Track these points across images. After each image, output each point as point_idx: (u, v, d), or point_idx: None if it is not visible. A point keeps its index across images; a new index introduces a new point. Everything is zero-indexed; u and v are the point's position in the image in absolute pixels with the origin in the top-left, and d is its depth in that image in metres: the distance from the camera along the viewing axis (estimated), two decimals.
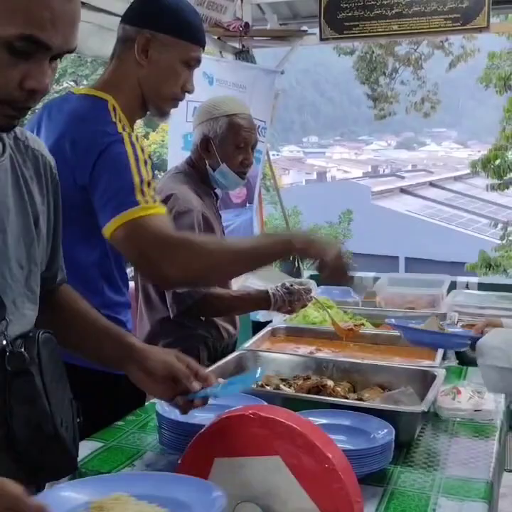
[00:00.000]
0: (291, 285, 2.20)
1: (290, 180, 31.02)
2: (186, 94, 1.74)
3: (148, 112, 1.76)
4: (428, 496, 1.31)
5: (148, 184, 1.55)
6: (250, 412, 1.16)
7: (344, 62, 14.60)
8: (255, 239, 1.73)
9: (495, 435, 1.58)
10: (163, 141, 13.25)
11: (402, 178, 29.70)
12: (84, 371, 1.65)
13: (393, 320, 2.01)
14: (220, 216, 2.32)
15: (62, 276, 1.32)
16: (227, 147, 2.18)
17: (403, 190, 24.98)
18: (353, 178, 30.38)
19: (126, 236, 1.51)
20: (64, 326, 1.28)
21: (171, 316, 2.09)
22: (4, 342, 1.05)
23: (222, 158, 2.18)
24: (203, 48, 1.73)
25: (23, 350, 1.07)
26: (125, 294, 1.80)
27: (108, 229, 1.52)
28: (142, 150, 1.59)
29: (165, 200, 2.10)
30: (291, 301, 2.18)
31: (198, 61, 1.71)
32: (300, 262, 3.84)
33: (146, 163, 1.57)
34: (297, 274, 3.72)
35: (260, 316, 2.67)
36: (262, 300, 2.20)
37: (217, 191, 2.33)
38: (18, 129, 1.11)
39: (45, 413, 1.09)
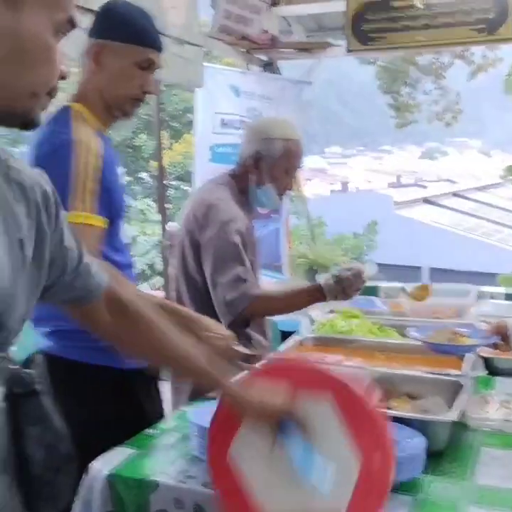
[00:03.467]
0: (340, 273, 2.19)
1: (313, 191, 30.99)
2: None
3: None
4: (459, 506, 1.32)
5: (91, 192, 1.63)
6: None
7: (366, 72, 14.60)
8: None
9: None
10: (187, 152, 13.33)
11: (425, 188, 29.55)
12: (97, 369, 1.70)
13: (413, 331, 2.06)
14: (254, 227, 2.36)
15: (98, 288, 1.20)
16: (277, 170, 2.24)
17: (426, 201, 24.84)
18: (376, 189, 30.28)
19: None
20: (138, 340, 1.26)
21: (225, 323, 2.11)
22: (12, 365, 1.02)
23: (270, 179, 2.23)
24: (157, 49, 1.79)
25: (31, 370, 1.04)
26: (125, 255, 1.86)
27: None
28: (97, 157, 1.66)
29: (207, 210, 2.15)
30: (344, 288, 2.17)
31: (150, 62, 1.78)
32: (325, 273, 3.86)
33: (95, 170, 1.65)
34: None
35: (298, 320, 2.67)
36: (316, 292, 2.21)
37: None
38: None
39: (59, 432, 1.07)
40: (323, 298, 2.21)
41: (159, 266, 10.47)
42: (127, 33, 1.74)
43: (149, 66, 1.78)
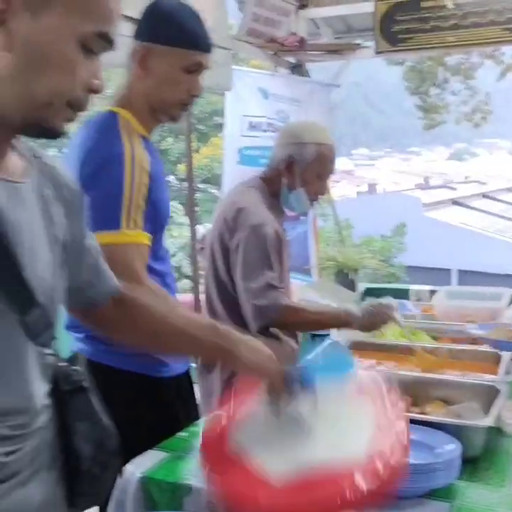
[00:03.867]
0: (374, 304, 2.21)
1: (340, 193, 30.88)
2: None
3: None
4: None
5: (138, 206, 1.60)
6: None
7: (394, 73, 14.52)
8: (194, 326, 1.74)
9: None
10: (214, 155, 13.37)
11: (454, 189, 29.27)
12: (131, 375, 1.70)
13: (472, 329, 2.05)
14: (285, 230, 2.35)
15: (113, 287, 1.24)
16: (310, 174, 2.23)
17: (455, 202, 24.60)
18: (404, 190, 30.06)
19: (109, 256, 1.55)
20: (153, 337, 1.29)
21: (254, 328, 2.11)
22: (61, 362, 1.03)
23: (302, 183, 2.23)
24: (206, 51, 1.74)
25: (77, 367, 1.05)
26: (166, 263, 1.83)
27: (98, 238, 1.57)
28: (143, 169, 1.63)
29: (237, 214, 2.15)
30: (374, 321, 2.18)
31: (199, 65, 1.73)
32: (355, 276, 3.84)
33: (141, 183, 1.61)
34: (352, 286, 3.72)
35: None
36: (347, 318, 2.20)
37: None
38: (31, 144, 1.04)
39: (106, 428, 1.08)
40: (350, 325, 2.21)
41: (186, 269, 10.50)
42: (175, 36, 1.68)
43: (197, 69, 1.74)
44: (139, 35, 1.71)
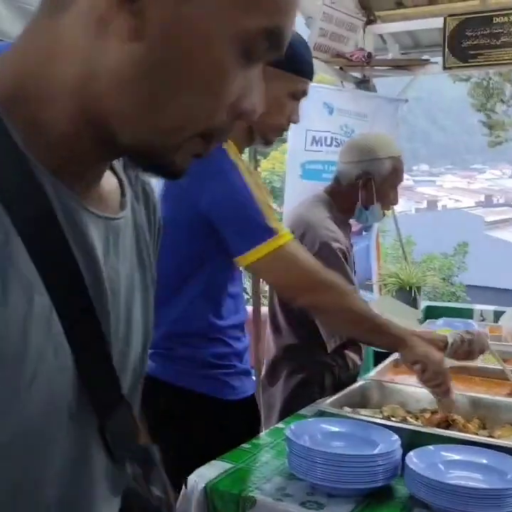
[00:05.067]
0: (471, 333, 2.15)
1: (400, 209, 30.57)
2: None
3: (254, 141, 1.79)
4: None
5: (270, 208, 1.62)
6: None
7: (458, 90, 14.33)
8: (383, 319, 1.78)
9: None
10: (273, 168, 13.41)
11: None
12: (193, 395, 1.71)
13: None
14: (352, 246, 2.34)
15: None
16: (386, 187, 2.24)
17: None
18: (465, 208, 29.55)
19: (269, 266, 1.57)
20: None
21: (331, 346, 2.12)
22: (137, 481, 0.75)
23: (378, 198, 2.22)
24: (311, 80, 1.75)
25: (155, 487, 0.77)
26: (232, 318, 1.81)
27: (247, 258, 1.57)
28: (250, 173, 1.65)
29: (305, 230, 2.14)
30: (471, 350, 2.12)
31: (304, 93, 1.73)
32: (417, 293, 3.79)
33: (258, 187, 1.64)
34: (414, 304, 3.66)
35: None
36: (437, 343, 2.16)
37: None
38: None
39: None
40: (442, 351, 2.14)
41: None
42: (288, 60, 1.68)
43: (302, 96, 1.74)
44: None
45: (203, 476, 1.49)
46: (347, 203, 2.25)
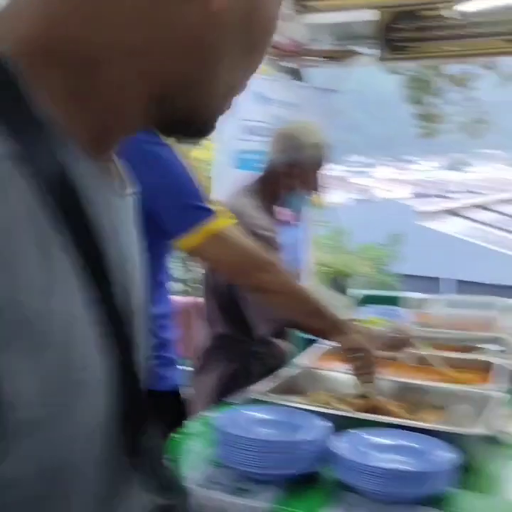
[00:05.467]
0: (398, 325, 2.26)
1: (335, 200, 30.93)
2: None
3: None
4: None
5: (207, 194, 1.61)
6: None
7: (392, 81, 14.55)
8: (324, 304, 1.84)
9: None
10: (203, 158, 13.36)
11: (450, 199, 29.33)
12: None
13: None
14: (278, 234, 2.35)
15: None
16: (310, 174, 2.25)
17: (450, 212, 24.64)
18: (398, 199, 30.11)
19: (213, 247, 1.56)
20: None
21: (261, 333, 2.13)
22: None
23: (302, 184, 2.24)
24: None
25: None
26: (158, 307, 1.80)
27: (189, 240, 1.56)
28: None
29: (237, 217, 2.14)
30: (397, 343, 2.20)
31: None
32: (348, 282, 3.84)
33: (194, 171, 1.64)
34: (344, 292, 3.72)
35: None
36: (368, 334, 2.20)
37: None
38: None
39: None
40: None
41: (177, 271, 10.42)
42: None
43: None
44: None
45: None
46: (274, 190, 2.27)
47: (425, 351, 2.20)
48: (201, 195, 1.58)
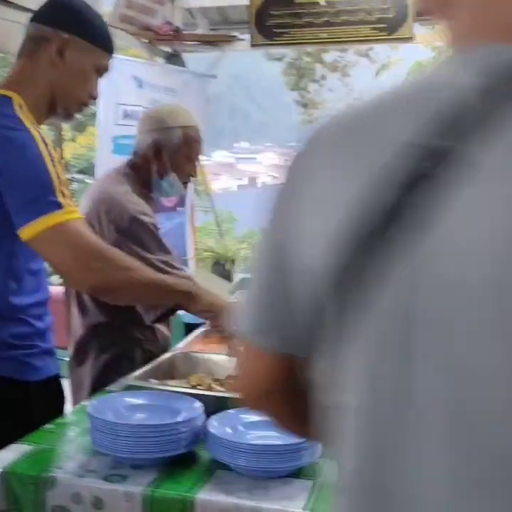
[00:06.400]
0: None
1: (221, 186, 31.03)
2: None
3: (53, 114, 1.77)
4: None
5: (66, 185, 1.57)
6: None
7: (274, 68, 14.75)
8: (162, 276, 1.89)
9: None
10: (90, 144, 13.02)
11: None
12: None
13: None
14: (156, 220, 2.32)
15: None
16: (180, 158, 2.22)
17: None
18: None
19: (51, 240, 1.51)
20: None
21: (159, 312, 2.10)
22: None
23: (172, 168, 2.21)
24: (112, 56, 1.79)
25: None
26: (33, 296, 1.74)
27: (28, 231, 1.51)
28: (54, 148, 1.61)
29: (110, 205, 2.09)
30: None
31: (107, 69, 1.77)
32: (232, 266, 3.88)
33: (60, 162, 1.59)
34: (229, 277, 3.75)
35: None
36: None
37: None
38: None
39: None
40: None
41: None
42: (98, 35, 1.71)
43: (104, 72, 1.77)
44: (56, 23, 1.68)
45: (1, 460, 1.42)
46: (145, 175, 2.23)
47: None
48: (53, 187, 1.52)
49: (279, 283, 0.71)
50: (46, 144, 1.58)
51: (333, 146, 0.68)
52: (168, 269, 2.06)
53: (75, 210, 1.57)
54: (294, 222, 0.68)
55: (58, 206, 1.51)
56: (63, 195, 1.53)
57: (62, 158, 1.65)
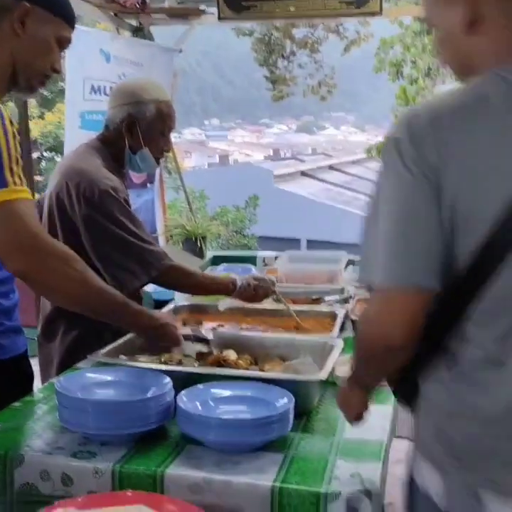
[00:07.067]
0: (257, 278, 2.33)
1: (192, 164, 30.85)
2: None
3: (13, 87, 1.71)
4: (326, 459, 1.36)
5: (17, 162, 1.50)
6: None
7: (243, 44, 14.61)
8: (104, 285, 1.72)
9: (390, 400, 1.64)
10: (59, 122, 12.81)
11: (303, 161, 30.11)
12: None
13: None
14: (128, 195, 2.29)
15: None
16: (153, 133, 2.18)
17: (304, 174, 25.33)
18: (255, 162, 30.53)
19: None
20: None
21: (132, 288, 2.05)
22: None
23: (145, 143, 2.17)
24: (73, 29, 1.75)
25: None
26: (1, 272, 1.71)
27: None
28: (11, 123, 1.54)
29: (80, 180, 2.05)
30: (257, 293, 2.28)
31: (68, 41, 1.73)
32: (203, 242, 3.86)
33: (15, 137, 1.52)
34: (200, 254, 3.73)
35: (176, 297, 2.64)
36: (232, 287, 2.25)
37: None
38: None
39: None
40: (230, 293, 2.27)
41: None
42: (57, 5, 1.67)
43: (66, 44, 1.72)
44: None
45: None
46: (117, 149, 2.19)
47: (284, 304, 2.29)
48: (1, 163, 1.48)
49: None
50: (2, 117, 1.53)
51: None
52: (140, 243, 2.04)
53: (23, 189, 1.50)
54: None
55: (3, 184, 1.47)
56: (11, 172, 1.49)
57: (20, 134, 1.58)
